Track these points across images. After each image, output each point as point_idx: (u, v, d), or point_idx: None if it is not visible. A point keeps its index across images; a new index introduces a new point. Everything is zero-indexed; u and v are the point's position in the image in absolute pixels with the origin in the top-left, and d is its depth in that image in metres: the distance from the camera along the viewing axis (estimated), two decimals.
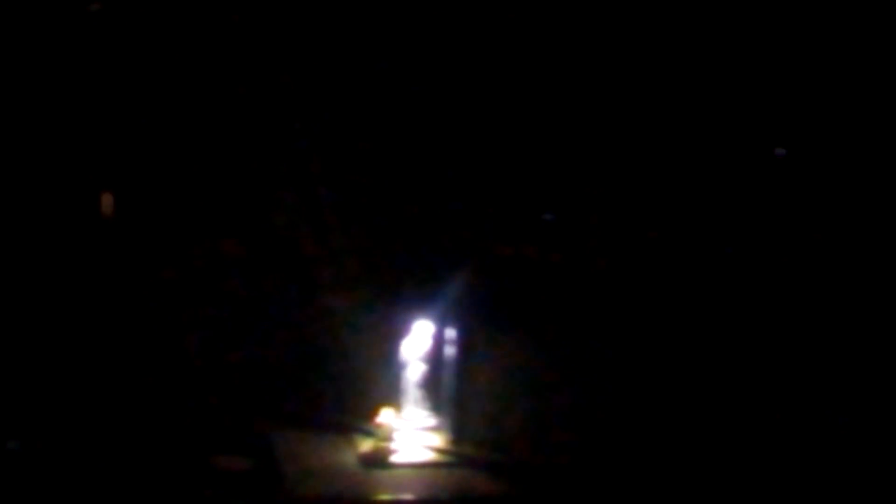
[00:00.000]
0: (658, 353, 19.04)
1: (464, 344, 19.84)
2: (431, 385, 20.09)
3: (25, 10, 20.53)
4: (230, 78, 20.84)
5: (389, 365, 20.02)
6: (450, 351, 19.90)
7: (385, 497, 18.42)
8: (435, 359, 20.03)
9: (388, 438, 19.41)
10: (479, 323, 19.72)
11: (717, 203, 19.58)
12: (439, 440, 19.97)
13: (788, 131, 19.74)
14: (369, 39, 20.61)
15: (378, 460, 19.19)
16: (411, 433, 19.89)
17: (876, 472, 17.95)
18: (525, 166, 20.12)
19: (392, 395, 19.84)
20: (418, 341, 20.06)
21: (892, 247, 18.64)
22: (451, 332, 19.87)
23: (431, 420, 20.13)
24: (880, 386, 18.26)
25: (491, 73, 20.46)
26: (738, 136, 19.82)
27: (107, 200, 20.90)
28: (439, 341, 19.95)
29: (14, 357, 19.88)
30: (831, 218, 18.98)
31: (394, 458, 19.31)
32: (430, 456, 19.69)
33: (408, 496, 18.47)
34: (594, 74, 20.07)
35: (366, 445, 19.49)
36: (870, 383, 18.30)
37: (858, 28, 19.33)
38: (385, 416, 19.51)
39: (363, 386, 20.01)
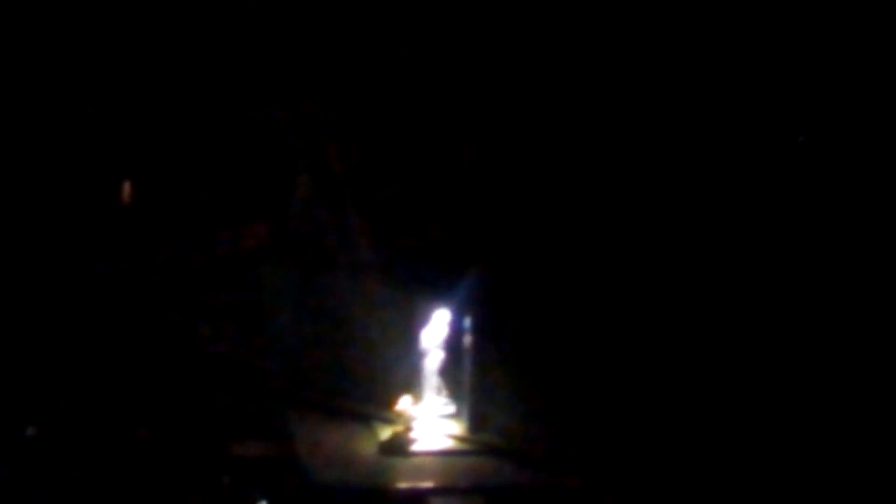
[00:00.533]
0: (677, 344, 19.02)
1: (482, 332, 19.86)
2: (451, 373, 20.09)
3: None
4: (249, 67, 20.96)
5: (409, 353, 20.03)
6: (469, 339, 19.94)
7: (404, 485, 18.42)
8: (454, 347, 20.03)
9: (408, 426, 19.44)
10: (497, 311, 19.75)
11: (734, 196, 19.56)
12: (458, 428, 19.98)
13: (808, 119, 19.71)
14: (383, 30, 20.70)
15: (397, 448, 19.19)
16: (431, 421, 19.89)
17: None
18: (541, 157, 20.17)
19: (411, 383, 19.87)
20: (438, 329, 20.07)
21: None
22: (469, 321, 19.91)
23: (451, 408, 20.14)
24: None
25: (503, 69, 20.55)
26: (757, 125, 19.80)
27: (126, 188, 21.10)
28: (458, 329, 19.97)
29: (32, 343, 20.07)
30: (849, 209, 18.92)
31: (413, 447, 19.32)
32: (449, 444, 19.67)
33: (427, 484, 18.44)
34: (606, 65, 20.10)
35: (385, 433, 19.54)
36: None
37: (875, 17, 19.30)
38: (404, 403, 19.54)
39: (383, 374, 20.06)
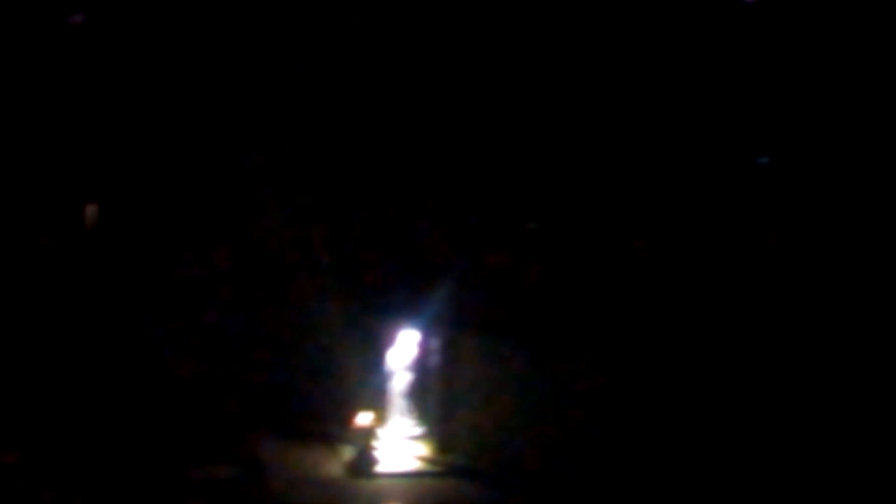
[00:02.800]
0: (643, 359, 19.08)
1: (448, 353, 19.94)
2: (418, 394, 20.20)
3: (6, 23, 20.76)
4: (213, 88, 21.04)
5: (376, 374, 20.12)
6: (435, 360, 20.01)
7: None
8: (421, 367, 20.15)
9: (369, 442, 19.41)
10: (464, 332, 19.83)
11: (701, 211, 19.71)
12: (425, 449, 20.02)
13: (771, 139, 19.90)
14: (354, 51, 20.82)
15: (363, 469, 19.16)
16: (397, 442, 19.95)
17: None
18: (507, 176, 20.32)
19: (378, 405, 19.90)
20: (404, 350, 20.17)
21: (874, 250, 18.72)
22: (436, 341, 19.99)
23: (418, 429, 20.21)
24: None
25: (477, 85, 20.69)
26: (721, 145, 19.97)
27: (91, 211, 21.13)
28: (425, 350, 20.07)
29: None
30: (815, 226, 19.06)
31: (379, 468, 19.31)
32: (415, 465, 19.73)
33: None
34: (576, 84, 20.25)
35: (349, 454, 19.53)
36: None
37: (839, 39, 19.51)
38: (363, 418, 19.52)
39: (349, 395, 20.07)
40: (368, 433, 19.41)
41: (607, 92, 20.34)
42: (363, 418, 19.46)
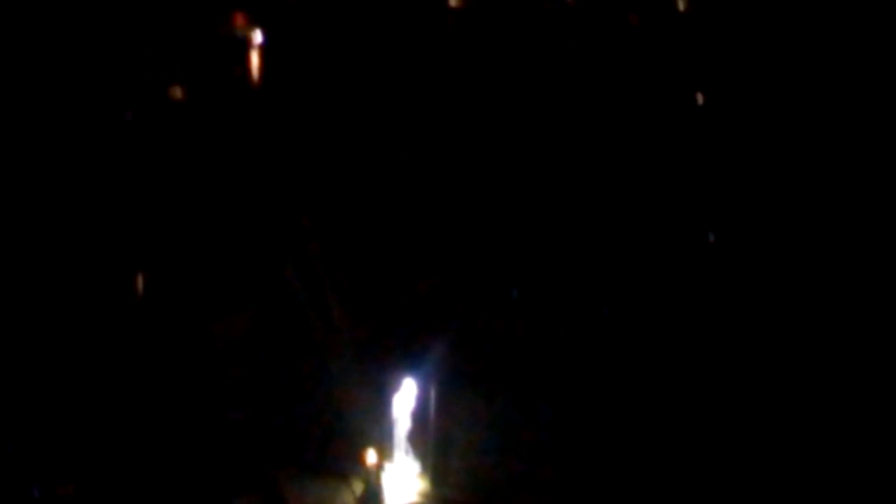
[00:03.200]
0: (619, 406, 21.75)
1: (443, 400, 22.60)
2: (418, 435, 22.65)
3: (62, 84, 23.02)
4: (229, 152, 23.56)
5: (383, 417, 22.66)
6: (432, 406, 22.55)
7: None
8: (421, 412, 22.66)
9: (378, 477, 21.93)
10: (457, 382, 22.55)
11: (668, 276, 22.50)
12: (424, 484, 22.56)
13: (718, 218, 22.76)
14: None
15: (372, 501, 21.82)
16: (401, 478, 22.50)
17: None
18: (492, 246, 23.27)
19: (385, 444, 22.42)
20: (407, 398, 22.69)
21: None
22: (433, 390, 22.56)
23: (417, 466, 22.66)
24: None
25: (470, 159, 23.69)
26: (676, 220, 22.87)
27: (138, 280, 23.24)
28: (425, 397, 22.65)
29: (41, 414, 21.88)
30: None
31: (386, 500, 21.94)
32: (416, 499, 22.30)
33: None
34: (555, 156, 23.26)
35: (359, 487, 22.11)
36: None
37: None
38: (372, 456, 22.04)
39: (360, 436, 22.44)
40: (376, 469, 22.03)
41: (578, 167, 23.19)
42: (372, 456, 22.11)
